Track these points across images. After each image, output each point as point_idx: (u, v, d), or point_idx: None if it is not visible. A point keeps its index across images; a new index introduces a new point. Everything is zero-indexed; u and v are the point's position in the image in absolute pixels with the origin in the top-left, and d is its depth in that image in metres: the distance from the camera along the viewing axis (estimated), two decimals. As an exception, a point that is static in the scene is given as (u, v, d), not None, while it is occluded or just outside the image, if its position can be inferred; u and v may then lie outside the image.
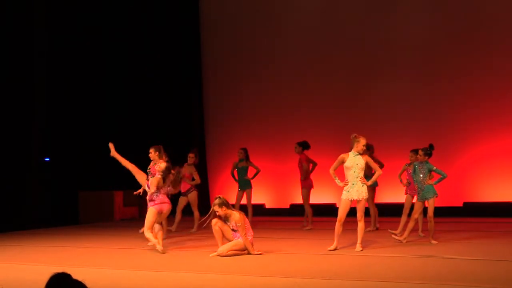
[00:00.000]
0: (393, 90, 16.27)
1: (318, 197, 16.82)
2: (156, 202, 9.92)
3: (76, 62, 17.41)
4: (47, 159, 17.15)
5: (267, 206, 17.28)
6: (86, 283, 3.78)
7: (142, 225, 10.37)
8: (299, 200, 16.98)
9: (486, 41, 15.44)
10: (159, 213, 9.94)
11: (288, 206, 17.13)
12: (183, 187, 13.03)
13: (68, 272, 3.87)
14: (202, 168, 18.37)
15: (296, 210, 16.80)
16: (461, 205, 15.33)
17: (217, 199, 9.26)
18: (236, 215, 9.22)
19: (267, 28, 17.89)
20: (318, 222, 14.52)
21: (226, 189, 18.01)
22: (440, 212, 14.44)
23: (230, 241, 9.29)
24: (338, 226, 9.51)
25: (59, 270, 3.86)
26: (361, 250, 9.33)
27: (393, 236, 10.51)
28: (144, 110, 18.33)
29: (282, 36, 17.66)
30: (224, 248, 9.15)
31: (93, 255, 10.02)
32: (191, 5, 18.70)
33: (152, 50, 18.36)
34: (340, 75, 16.86)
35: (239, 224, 9.10)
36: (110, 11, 18.14)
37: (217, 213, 9.21)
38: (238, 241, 9.21)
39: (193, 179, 13.26)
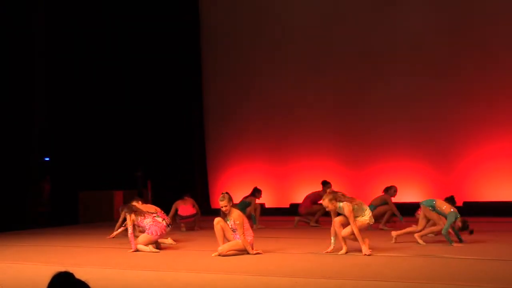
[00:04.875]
0: (394, 90, 16.26)
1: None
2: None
3: (76, 61, 17.40)
4: (47, 159, 17.15)
5: (267, 206, 17.27)
6: (89, 283, 3.77)
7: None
8: (299, 199, 17.00)
9: (488, 42, 15.43)
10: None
11: (288, 206, 17.11)
12: None
13: (71, 272, 3.84)
14: (202, 168, 18.39)
15: (296, 210, 16.79)
16: (461, 204, 15.34)
17: (224, 193, 9.31)
18: (236, 212, 9.25)
19: (268, 29, 17.89)
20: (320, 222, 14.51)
21: (226, 189, 18.02)
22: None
23: (230, 241, 9.30)
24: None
25: (59, 270, 3.84)
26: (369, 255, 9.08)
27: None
28: (144, 111, 18.33)
29: (283, 35, 17.66)
30: (224, 247, 9.16)
31: (93, 255, 10.01)
32: (191, 4, 18.71)
33: (152, 50, 18.35)
34: (342, 76, 16.86)
35: (238, 222, 9.11)
36: (111, 11, 18.12)
37: (221, 207, 9.23)
38: (238, 241, 9.22)
39: None
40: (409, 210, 15.08)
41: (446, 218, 9.69)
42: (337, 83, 16.90)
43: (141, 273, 8.06)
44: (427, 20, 16.14)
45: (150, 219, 10.12)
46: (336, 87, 16.91)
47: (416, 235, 9.98)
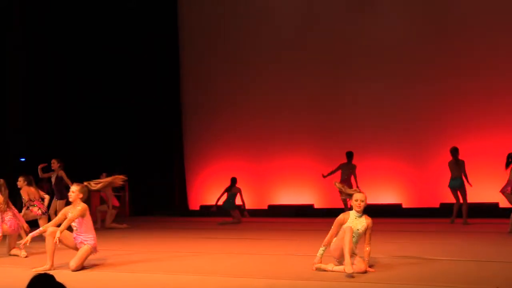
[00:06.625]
0: (373, 91, 16.31)
1: (297, 198, 16.80)
2: None
3: (56, 62, 17.20)
4: (23, 159, 16.93)
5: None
6: (66, 285, 3.76)
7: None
8: (277, 201, 16.97)
9: (468, 44, 15.52)
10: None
11: (266, 207, 17.09)
12: None
13: (52, 274, 3.84)
14: (179, 168, 18.28)
15: (274, 211, 16.78)
16: (438, 206, 15.42)
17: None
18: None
19: (246, 29, 17.86)
20: (297, 223, 14.51)
21: (203, 188, 17.95)
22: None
23: None
24: None
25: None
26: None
27: None
28: (121, 111, 18.17)
29: (262, 35, 17.63)
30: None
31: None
32: (169, 5, 18.64)
33: (130, 49, 18.20)
34: (322, 76, 16.86)
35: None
36: (89, 12, 17.97)
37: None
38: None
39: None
40: (389, 212, 15.17)
41: None
42: (317, 83, 16.90)
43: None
44: (406, 21, 16.20)
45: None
46: (316, 87, 16.91)
47: None
